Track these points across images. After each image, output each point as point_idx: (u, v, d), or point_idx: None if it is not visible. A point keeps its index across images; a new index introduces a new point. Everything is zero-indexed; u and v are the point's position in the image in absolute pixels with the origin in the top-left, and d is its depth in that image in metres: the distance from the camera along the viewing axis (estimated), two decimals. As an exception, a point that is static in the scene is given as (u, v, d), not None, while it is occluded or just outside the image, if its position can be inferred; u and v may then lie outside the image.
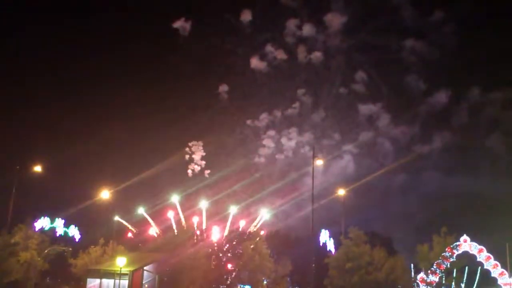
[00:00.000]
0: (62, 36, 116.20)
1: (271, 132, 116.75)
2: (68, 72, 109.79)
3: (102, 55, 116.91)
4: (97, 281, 44.82)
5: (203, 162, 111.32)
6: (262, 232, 73.07)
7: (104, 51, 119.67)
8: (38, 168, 58.97)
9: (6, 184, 57.95)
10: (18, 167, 57.83)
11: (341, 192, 63.25)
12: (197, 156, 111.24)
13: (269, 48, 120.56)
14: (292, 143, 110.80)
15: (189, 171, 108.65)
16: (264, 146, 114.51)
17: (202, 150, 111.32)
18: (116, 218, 68.46)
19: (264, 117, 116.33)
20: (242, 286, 67.21)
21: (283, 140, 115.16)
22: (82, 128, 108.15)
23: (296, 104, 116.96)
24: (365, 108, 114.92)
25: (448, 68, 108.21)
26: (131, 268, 44.07)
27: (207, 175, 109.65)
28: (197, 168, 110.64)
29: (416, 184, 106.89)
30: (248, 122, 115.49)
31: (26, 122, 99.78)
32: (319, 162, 60.68)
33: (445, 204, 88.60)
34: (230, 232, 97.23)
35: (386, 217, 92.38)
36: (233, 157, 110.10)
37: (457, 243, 55.86)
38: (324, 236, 74.28)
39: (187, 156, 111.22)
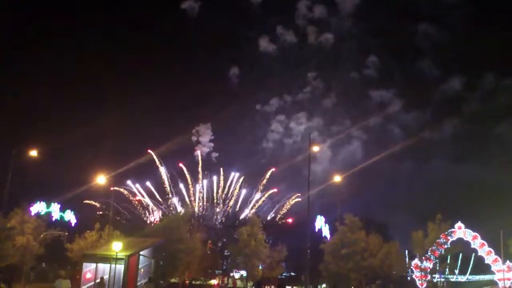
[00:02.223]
0: (64, 19, 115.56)
1: (281, 117, 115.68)
2: (67, 57, 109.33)
3: (106, 39, 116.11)
4: (93, 265, 44.84)
5: (211, 145, 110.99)
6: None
7: (108, 35, 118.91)
8: (34, 153, 58.79)
9: (2, 169, 57.90)
10: (14, 151, 57.60)
11: (337, 178, 63.21)
12: (204, 139, 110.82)
13: (279, 30, 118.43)
14: (301, 128, 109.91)
15: (196, 154, 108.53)
16: (272, 131, 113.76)
17: (211, 133, 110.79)
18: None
19: (274, 102, 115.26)
20: (237, 271, 67.70)
21: (292, 125, 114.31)
22: (81, 112, 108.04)
23: (307, 89, 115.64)
24: (377, 94, 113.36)
25: (462, 53, 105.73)
26: (127, 253, 44.11)
27: (214, 158, 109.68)
28: (205, 151, 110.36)
29: (423, 171, 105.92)
30: (258, 107, 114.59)
31: (22, 106, 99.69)
32: (315, 149, 60.70)
33: (450, 192, 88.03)
34: (227, 217, 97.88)
35: (386, 204, 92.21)
36: (241, 141, 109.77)
37: (452, 229, 56.18)
38: (320, 222, 74.57)
39: (194, 139, 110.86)
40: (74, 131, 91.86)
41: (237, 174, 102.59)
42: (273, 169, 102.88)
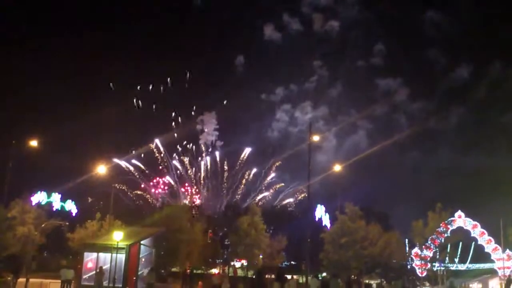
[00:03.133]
0: (65, 11, 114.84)
1: (286, 106, 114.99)
2: (68, 47, 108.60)
3: (109, 28, 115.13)
4: (94, 255, 44.94)
5: (216, 133, 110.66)
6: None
7: (111, 24, 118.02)
8: (34, 143, 58.76)
9: (3, 159, 57.89)
10: (14, 141, 57.58)
11: (337, 168, 63.27)
12: (209, 128, 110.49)
13: (285, 18, 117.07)
14: (307, 117, 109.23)
15: (201, 142, 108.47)
16: (278, 120, 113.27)
17: (215, 122, 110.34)
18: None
19: (279, 91, 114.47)
20: (237, 260, 67.87)
21: (297, 114, 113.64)
22: (82, 101, 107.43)
23: (313, 78, 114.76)
24: (383, 83, 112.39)
25: (469, 42, 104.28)
26: (128, 242, 44.18)
27: (219, 147, 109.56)
28: (210, 139, 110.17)
29: (428, 161, 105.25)
30: (263, 96, 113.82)
31: (23, 96, 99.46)
32: (316, 138, 60.69)
33: (454, 181, 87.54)
34: (227, 206, 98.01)
35: (389, 193, 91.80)
36: (246, 130, 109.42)
37: (452, 218, 56.29)
38: (320, 211, 74.62)
39: (198, 127, 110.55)
40: (75, 120, 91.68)
41: (249, 150, 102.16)
42: (279, 162, 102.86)
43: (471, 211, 57.62)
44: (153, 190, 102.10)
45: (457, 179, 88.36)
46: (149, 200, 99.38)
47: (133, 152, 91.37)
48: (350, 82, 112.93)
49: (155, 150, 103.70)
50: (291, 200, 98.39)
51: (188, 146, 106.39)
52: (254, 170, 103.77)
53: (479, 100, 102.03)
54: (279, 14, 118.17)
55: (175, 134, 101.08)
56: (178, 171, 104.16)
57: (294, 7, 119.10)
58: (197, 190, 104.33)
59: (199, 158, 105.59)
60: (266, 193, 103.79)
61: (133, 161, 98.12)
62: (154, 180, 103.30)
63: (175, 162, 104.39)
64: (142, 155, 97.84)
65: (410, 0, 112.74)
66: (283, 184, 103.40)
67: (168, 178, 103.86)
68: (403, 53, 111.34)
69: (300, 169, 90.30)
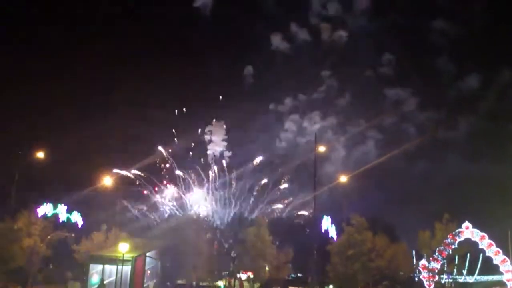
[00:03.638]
0: (71, 19, 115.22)
1: (294, 116, 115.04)
2: (75, 58, 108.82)
3: (116, 38, 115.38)
4: (100, 267, 44.95)
5: (224, 144, 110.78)
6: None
7: (118, 34, 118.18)
8: (40, 154, 58.95)
9: (9, 170, 58.04)
10: (20, 152, 57.84)
11: (343, 178, 63.27)
12: (217, 138, 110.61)
13: (293, 28, 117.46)
14: (315, 127, 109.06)
15: (209, 153, 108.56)
16: (286, 130, 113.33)
17: (224, 132, 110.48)
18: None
19: (288, 101, 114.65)
20: (243, 272, 67.50)
21: (306, 124, 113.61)
22: (88, 112, 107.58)
23: (321, 88, 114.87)
24: (392, 92, 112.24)
25: (479, 50, 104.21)
26: (134, 254, 44.23)
27: (227, 158, 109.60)
28: (218, 150, 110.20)
29: (437, 171, 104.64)
30: (271, 106, 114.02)
31: (29, 107, 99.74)
32: (322, 149, 60.73)
33: (463, 192, 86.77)
34: (233, 218, 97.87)
35: (396, 204, 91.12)
36: (255, 140, 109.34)
37: (459, 229, 55.82)
38: (326, 223, 74.35)
39: (206, 138, 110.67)
40: (82, 131, 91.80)
41: (260, 158, 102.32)
42: (287, 177, 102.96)
43: (479, 221, 57.11)
44: (159, 199, 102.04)
45: (466, 189, 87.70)
46: (155, 211, 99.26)
47: (139, 162, 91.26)
48: (359, 92, 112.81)
49: (165, 159, 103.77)
50: (305, 213, 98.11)
51: (195, 155, 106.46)
52: (263, 180, 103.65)
53: (488, 109, 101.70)
54: (287, 24, 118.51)
55: (181, 145, 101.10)
56: (185, 181, 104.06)
57: (302, 17, 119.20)
58: (204, 200, 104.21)
59: (207, 168, 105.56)
60: (279, 205, 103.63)
61: (138, 172, 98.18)
62: (161, 191, 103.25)
63: (182, 172, 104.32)
64: (148, 164, 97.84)
65: (418, 9, 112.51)
66: (291, 198, 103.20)
67: (174, 189, 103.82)
68: (411, 63, 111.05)
69: (308, 180, 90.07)
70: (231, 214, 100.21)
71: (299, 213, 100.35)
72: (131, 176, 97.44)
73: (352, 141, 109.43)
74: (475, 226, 55.78)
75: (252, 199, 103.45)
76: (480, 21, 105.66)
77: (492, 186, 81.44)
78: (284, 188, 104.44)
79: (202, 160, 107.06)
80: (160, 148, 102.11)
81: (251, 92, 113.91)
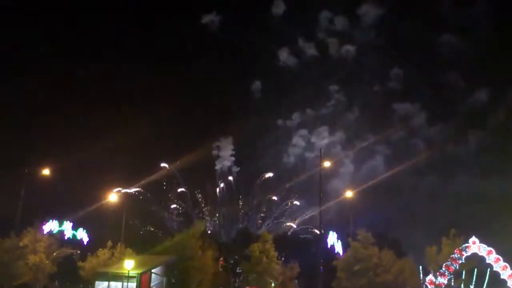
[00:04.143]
0: (79, 35, 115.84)
1: (303, 131, 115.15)
2: (79, 74, 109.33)
3: (124, 54, 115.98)
4: (105, 283, 44.85)
5: (232, 159, 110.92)
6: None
7: (125, 51, 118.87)
8: (46, 171, 59.17)
9: (15, 187, 58.21)
10: (26, 170, 58.06)
11: (349, 194, 63.21)
12: (225, 153, 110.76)
13: (301, 43, 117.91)
14: (323, 143, 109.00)
15: (217, 168, 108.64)
16: (294, 145, 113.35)
17: (231, 148, 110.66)
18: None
19: (296, 116, 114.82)
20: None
21: (314, 139, 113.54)
22: (94, 128, 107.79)
23: (330, 103, 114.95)
24: (401, 107, 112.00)
25: (488, 65, 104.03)
26: (139, 271, 44.11)
27: (235, 173, 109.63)
28: (226, 165, 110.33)
29: (445, 186, 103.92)
30: (280, 121, 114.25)
31: (35, 125, 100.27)
32: (326, 164, 60.82)
33: (471, 207, 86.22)
34: (238, 233, 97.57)
35: (403, 219, 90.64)
36: (263, 155, 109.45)
37: (466, 244, 55.55)
38: (332, 238, 74.14)
39: (214, 153, 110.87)
40: (87, 148, 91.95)
41: (270, 175, 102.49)
42: (296, 196, 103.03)
43: (487, 237, 56.78)
44: (166, 215, 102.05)
45: (475, 205, 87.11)
46: (162, 227, 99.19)
47: (146, 179, 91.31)
48: (367, 106, 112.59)
49: (172, 175, 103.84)
50: (311, 228, 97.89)
51: (203, 171, 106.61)
52: (270, 196, 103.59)
53: (498, 124, 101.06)
54: (294, 39, 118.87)
55: (188, 160, 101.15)
56: (193, 197, 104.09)
57: (309, 32, 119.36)
58: (211, 216, 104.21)
59: (215, 184, 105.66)
60: (286, 221, 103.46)
61: (145, 188, 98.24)
62: (168, 207, 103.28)
63: (190, 188, 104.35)
64: (156, 181, 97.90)
65: (426, 23, 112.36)
66: (299, 213, 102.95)
67: (181, 203, 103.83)
68: (420, 77, 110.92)
69: (316, 195, 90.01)
70: (239, 229, 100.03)
71: (306, 228, 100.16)
72: (138, 192, 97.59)
73: (361, 156, 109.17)
74: (483, 241, 55.53)
75: (260, 214, 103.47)
76: (488, 36, 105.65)
77: (501, 202, 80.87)
78: (292, 204, 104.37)
79: (210, 175, 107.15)
80: (165, 164, 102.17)
81: (259, 108, 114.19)
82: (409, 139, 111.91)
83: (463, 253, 55.20)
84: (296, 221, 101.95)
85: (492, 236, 59.40)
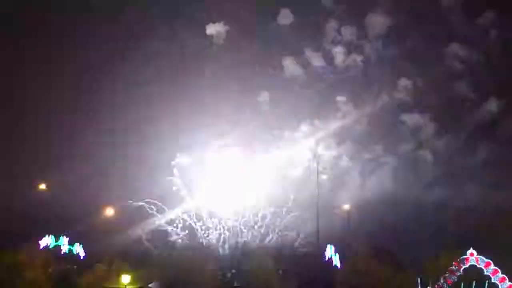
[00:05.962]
0: (84, 47, 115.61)
1: (310, 142, 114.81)
2: (79, 85, 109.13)
3: (128, 65, 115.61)
4: (102, 299, 44.68)
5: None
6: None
7: (130, 62, 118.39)
8: (42, 186, 59.07)
9: (11, 202, 58.03)
10: (22, 185, 57.91)
11: (346, 206, 63.30)
12: None
13: (308, 54, 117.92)
14: (331, 154, 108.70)
15: None
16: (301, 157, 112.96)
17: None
18: None
19: (303, 128, 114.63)
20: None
21: (321, 151, 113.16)
22: (91, 144, 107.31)
23: (337, 114, 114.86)
24: (409, 118, 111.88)
25: (497, 75, 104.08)
26: (136, 286, 44.00)
27: None
28: None
29: (453, 198, 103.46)
30: (287, 134, 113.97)
31: (31, 139, 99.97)
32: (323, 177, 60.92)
33: (478, 220, 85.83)
34: (236, 247, 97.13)
35: (406, 232, 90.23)
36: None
37: (464, 256, 55.50)
38: (330, 251, 73.88)
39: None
40: (84, 163, 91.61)
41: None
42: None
43: (487, 250, 56.59)
44: (169, 228, 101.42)
45: (484, 218, 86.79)
46: (164, 241, 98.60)
47: (148, 191, 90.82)
48: (375, 118, 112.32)
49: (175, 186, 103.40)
50: (310, 241, 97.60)
51: None
52: (275, 208, 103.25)
53: (508, 135, 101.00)
54: (301, 50, 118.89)
55: (193, 171, 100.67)
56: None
57: (316, 43, 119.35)
58: (215, 229, 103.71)
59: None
60: (289, 234, 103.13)
61: (145, 202, 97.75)
62: (170, 219, 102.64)
63: (194, 199, 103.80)
64: (160, 193, 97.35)
65: (434, 34, 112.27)
66: (301, 226, 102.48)
67: (186, 217, 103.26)
68: (428, 88, 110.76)
69: (321, 207, 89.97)
70: (241, 243, 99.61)
71: (305, 241, 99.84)
72: (138, 205, 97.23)
73: (368, 168, 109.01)
74: (481, 253, 55.47)
75: (261, 228, 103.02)
76: (497, 46, 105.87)
77: (506, 214, 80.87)
78: (295, 216, 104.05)
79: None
80: (170, 177, 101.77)
81: (266, 119, 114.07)
82: (417, 151, 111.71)
83: (461, 265, 55.12)
84: (296, 234, 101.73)
85: (490, 248, 59.36)
